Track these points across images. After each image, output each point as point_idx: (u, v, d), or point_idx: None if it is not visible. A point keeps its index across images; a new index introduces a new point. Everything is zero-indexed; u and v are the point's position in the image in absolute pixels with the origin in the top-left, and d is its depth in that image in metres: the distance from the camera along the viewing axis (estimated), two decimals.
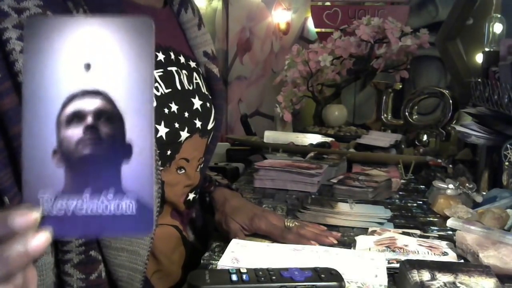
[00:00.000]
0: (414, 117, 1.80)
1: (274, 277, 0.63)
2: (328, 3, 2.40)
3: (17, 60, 0.59)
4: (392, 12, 2.13)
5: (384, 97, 1.98)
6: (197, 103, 0.83)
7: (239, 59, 2.66)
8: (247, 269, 0.65)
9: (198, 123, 0.82)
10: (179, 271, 0.86)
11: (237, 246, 0.79)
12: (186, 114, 0.79)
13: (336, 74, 1.97)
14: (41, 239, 0.39)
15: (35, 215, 0.39)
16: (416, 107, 1.80)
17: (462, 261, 0.81)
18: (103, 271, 0.70)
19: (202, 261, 0.83)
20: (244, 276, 0.63)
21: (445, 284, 0.66)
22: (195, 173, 0.85)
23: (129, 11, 0.75)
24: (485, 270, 0.70)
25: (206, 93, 0.86)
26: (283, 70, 2.05)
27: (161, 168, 0.76)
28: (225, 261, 0.73)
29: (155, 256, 0.81)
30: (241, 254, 0.75)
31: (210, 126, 0.86)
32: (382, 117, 1.99)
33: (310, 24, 2.49)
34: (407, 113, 1.79)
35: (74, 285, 0.67)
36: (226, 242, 0.82)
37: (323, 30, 2.39)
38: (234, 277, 0.63)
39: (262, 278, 0.63)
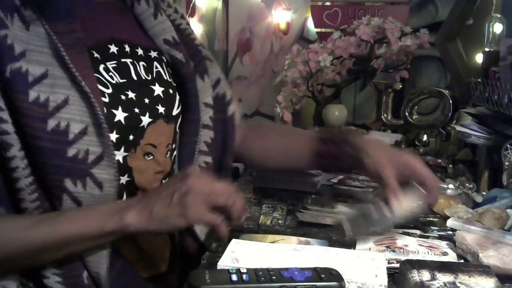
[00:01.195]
0: (414, 117, 1.79)
1: (274, 277, 0.63)
2: (328, 3, 2.40)
3: None
4: (392, 12, 2.13)
5: (384, 97, 1.98)
6: (158, 89, 0.83)
7: (239, 59, 2.66)
8: (247, 269, 0.65)
9: (161, 109, 0.82)
10: (166, 259, 0.87)
11: (237, 246, 0.79)
12: (147, 100, 0.80)
13: (336, 74, 1.97)
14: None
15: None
16: (416, 107, 1.80)
17: (462, 261, 0.81)
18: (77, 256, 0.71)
19: (202, 261, 0.83)
20: (244, 276, 0.63)
21: (445, 284, 0.66)
22: (165, 159, 0.85)
23: (80, 5, 0.76)
24: (485, 270, 0.70)
25: (170, 80, 0.87)
26: (283, 70, 2.05)
27: (126, 153, 0.77)
28: (225, 261, 0.74)
29: (137, 243, 0.81)
30: (241, 254, 0.76)
31: (175, 112, 0.86)
32: (382, 117, 1.99)
33: (310, 24, 2.49)
34: (407, 113, 1.79)
35: (48, 265, 0.70)
36: (226, 242, 0.82)
37: (323, 30, 2.39)
38: (234, 277, 0.63)
39: (262, 278, 0.63)
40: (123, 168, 0.76)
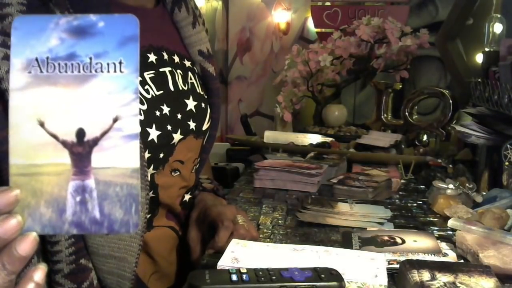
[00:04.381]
0: (414, 117, 1.80)
1: (274, 277, 0.63)
2: (328, 3, 2.40)
3: None
4: (392, 12, 2.13)
5: (384, 97, 1.98)
6: (190, 104, 0.82)
7: (239, 59, 2.67)
8: (247, 269, 0.65)
9: (192, 125, 0.81)
10: (176, 273, 0.86)
11: (237, 246, 0.79)
12: (179, 116, 0.78)
13: (336, 74, 1.97)
14: (11, 224, 0.39)
15: (14, 193, 0.40)
16: (416, 107, 1.80)
17: (462, 261, 0.81)
18: (95, 279, 0.69)
19: (202, 261, 0.83)
20: (244, 276, 0.63)
21: (445, 284, 0.66)
22: (191, 174, 0.85)
23: (117, 12, 0.74)
24: (485, 270, 0.70)
25: (201, 93, 0.85)
26: (283, 70, 2.05)
27: (154, 171, 0.76)
28: (225, 261, 0.73)
29: (152, 257, 0.80)
30: (241, 254, 0.75)
31: (205, 126, 0.85)
32: (382, 117, 1.99)
33: (310, 24, 2.50)
34: (407, 113, 1.79)
35: None
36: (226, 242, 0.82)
37: (323, 30, 2.39)
38: (234, 277, 0.63)
39: (262, 278, 0.63)
40: (150, 185, 0.75)
